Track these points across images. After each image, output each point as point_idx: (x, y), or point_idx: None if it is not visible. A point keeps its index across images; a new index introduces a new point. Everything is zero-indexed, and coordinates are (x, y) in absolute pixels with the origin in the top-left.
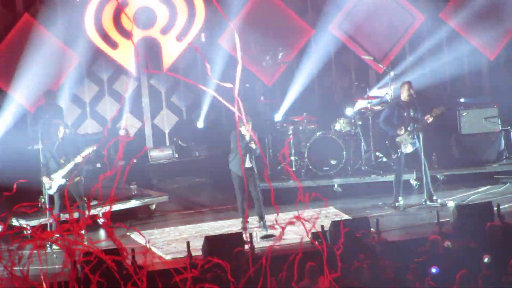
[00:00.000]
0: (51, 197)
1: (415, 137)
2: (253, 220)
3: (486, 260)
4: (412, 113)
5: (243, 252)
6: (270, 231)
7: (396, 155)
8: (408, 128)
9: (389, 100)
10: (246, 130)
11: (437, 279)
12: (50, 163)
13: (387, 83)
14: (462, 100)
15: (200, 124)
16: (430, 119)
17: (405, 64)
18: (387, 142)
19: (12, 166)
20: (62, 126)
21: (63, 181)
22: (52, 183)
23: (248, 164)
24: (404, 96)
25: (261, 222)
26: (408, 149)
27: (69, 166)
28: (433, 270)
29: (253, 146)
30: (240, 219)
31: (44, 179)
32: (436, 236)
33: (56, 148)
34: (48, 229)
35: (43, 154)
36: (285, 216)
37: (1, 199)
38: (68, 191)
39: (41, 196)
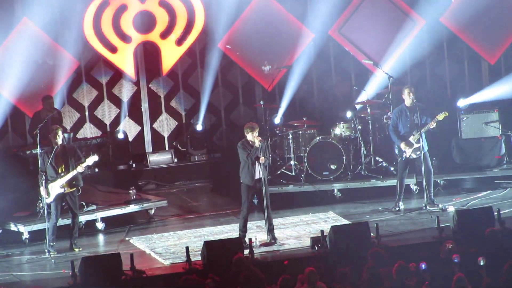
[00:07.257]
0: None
1: (421, 142)
2: (251, 225)
3: (481, 262)
4: (417, 119)
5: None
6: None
7: (400, 158)
8: (414, 133)
9: (390, 105)
10: (253, 138)
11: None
12: (48, 170)
13: (387, 87)
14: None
15: (199, 127)
16: (434, 124)
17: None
18: (395, 146)
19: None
20: (61, 131)
21: (61, 190)
22: (50, 192)
23: (258, 175)
24: (407, 102)
25: (270, 236)
26: (414, 154)
27: (69, 175)
28: (422, 266)
29: (262, 161)
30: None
31: (42, 190)
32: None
33: (55, 155)
34: (46, 235)
35: (41, 160)
36: (284, 221)
37: None
38: (65, 200)
39: (39, 201)
